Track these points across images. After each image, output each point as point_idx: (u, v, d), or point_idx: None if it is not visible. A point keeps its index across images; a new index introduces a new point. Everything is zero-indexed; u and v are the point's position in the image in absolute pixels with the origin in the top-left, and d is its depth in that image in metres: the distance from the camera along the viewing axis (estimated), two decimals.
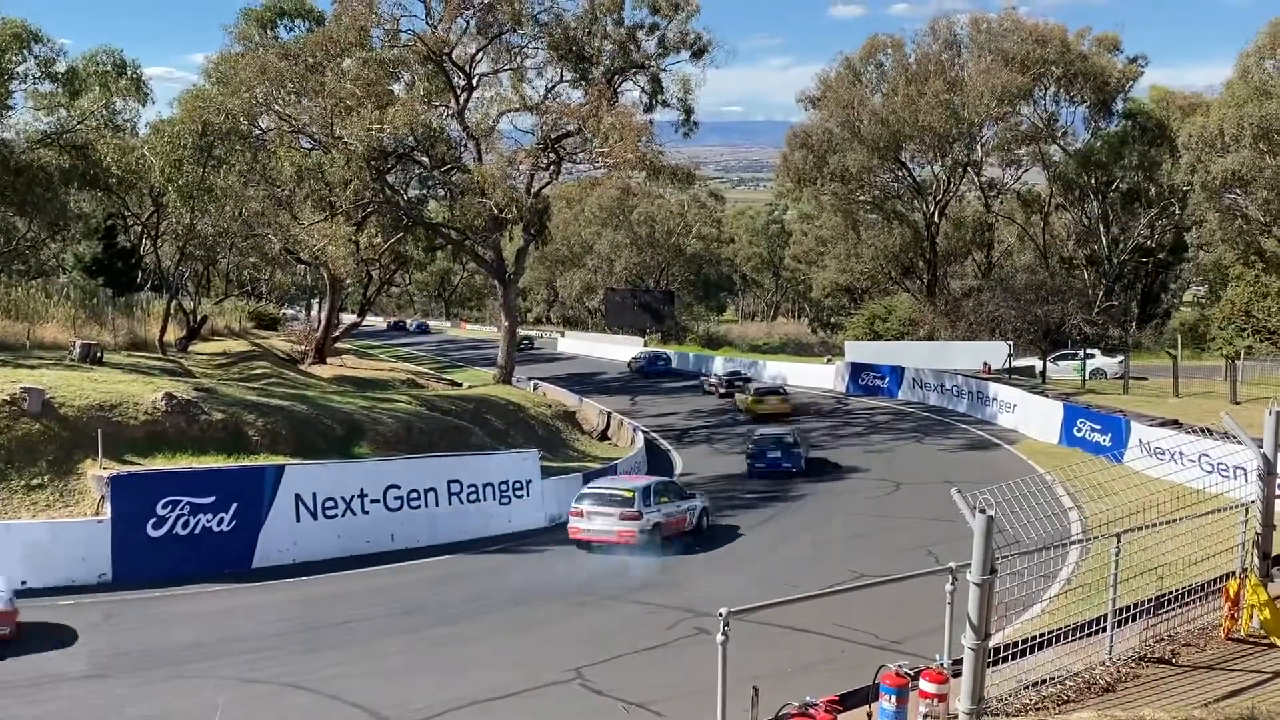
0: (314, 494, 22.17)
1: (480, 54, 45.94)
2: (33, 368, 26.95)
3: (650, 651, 15.29)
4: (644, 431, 39.14)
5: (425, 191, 53.92)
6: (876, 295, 74.39)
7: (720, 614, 7.46)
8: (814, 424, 41.61)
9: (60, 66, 39.17)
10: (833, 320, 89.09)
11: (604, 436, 40.84)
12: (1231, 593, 10.22)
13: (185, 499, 20.40)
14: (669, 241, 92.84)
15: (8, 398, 21.91)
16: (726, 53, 47.48)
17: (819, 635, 14.76)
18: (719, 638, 7.46)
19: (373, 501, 23.04)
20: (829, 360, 58.24)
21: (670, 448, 38.28)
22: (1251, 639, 10.16)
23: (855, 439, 38.65)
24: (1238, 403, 33.41)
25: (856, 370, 51.90)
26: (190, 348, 45.19)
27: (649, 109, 47.19)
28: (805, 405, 45.64)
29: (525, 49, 46.41)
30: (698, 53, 46.65)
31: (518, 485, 25.86)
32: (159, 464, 22.22)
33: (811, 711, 8.05)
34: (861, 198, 68.39)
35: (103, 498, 20.38)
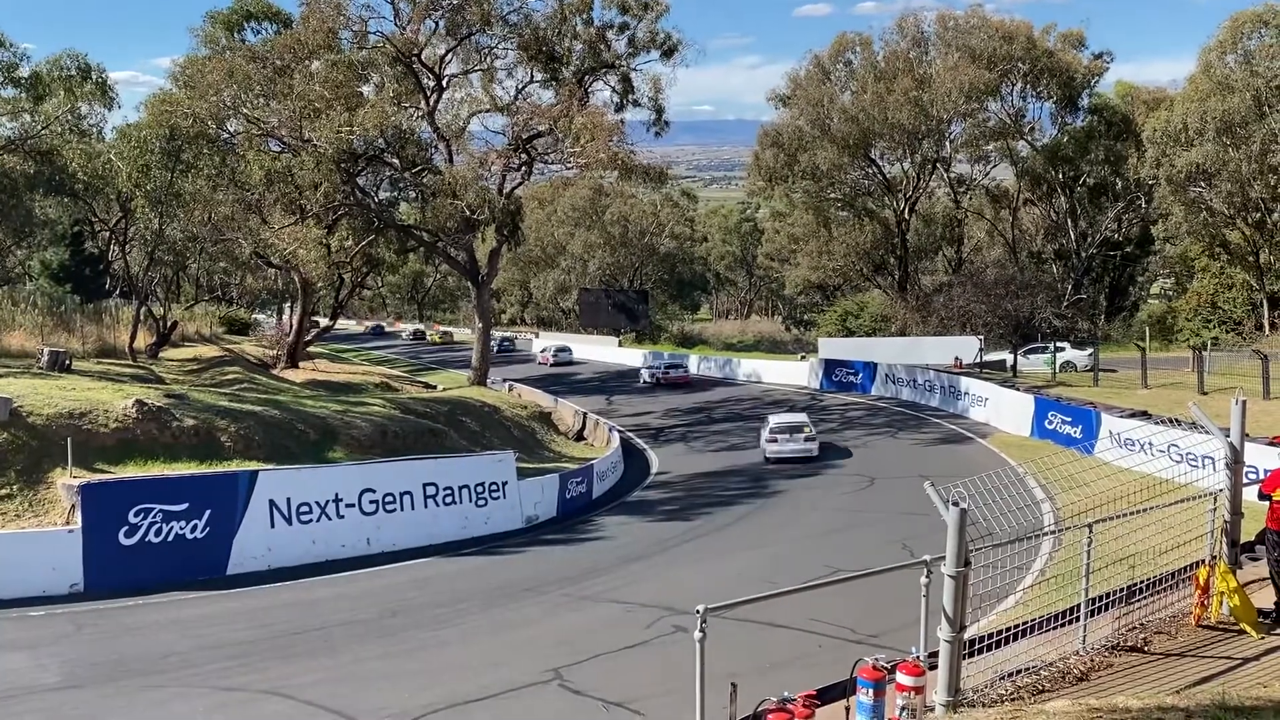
0: (288, 499, 22.03)
1: (450, 55, 45.76)
2: None
3: (629, 650, 15.29)
4: (620, 431, 39.14)
5: (396, 193, 53.73)
6: (848, 292, 74.80)
7: (698, 611, 7.47)
8: None
9: (24, 71, 38.78)
10: (806, 317, 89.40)
11: (580, 437, 40.82)
12: (1202, 580, 10.34)
13: (157, 506, 20.20)
14: (642, 241, 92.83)
15: None
16: (696, 52, 47.56)
17: (796, 631, 14.83)
18: (696, 635, 7.48)
19: (348, 506, 22.91)
20: (803, 357, 58.44)
21: (646, 447, 38.30)
22: (1221, 625, 10.28)
23: (830, 435, 38.79)
24: (1205, 393, 33.83)
25: (830, 366, 52.13)
26: (161, 354, 44.85)
27: (620, 109, 47.16)
28: None
29: (495, 49, 46.26)
30: (667, 52, 46.66)
31: (494, 487, 25.79)
32: (130, 472, 22.01)
33: (790, 707, 8.07)
34: (832, 195, 68.68)
35: (73, 506, 20.16)
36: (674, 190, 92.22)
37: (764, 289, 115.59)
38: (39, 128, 39.31)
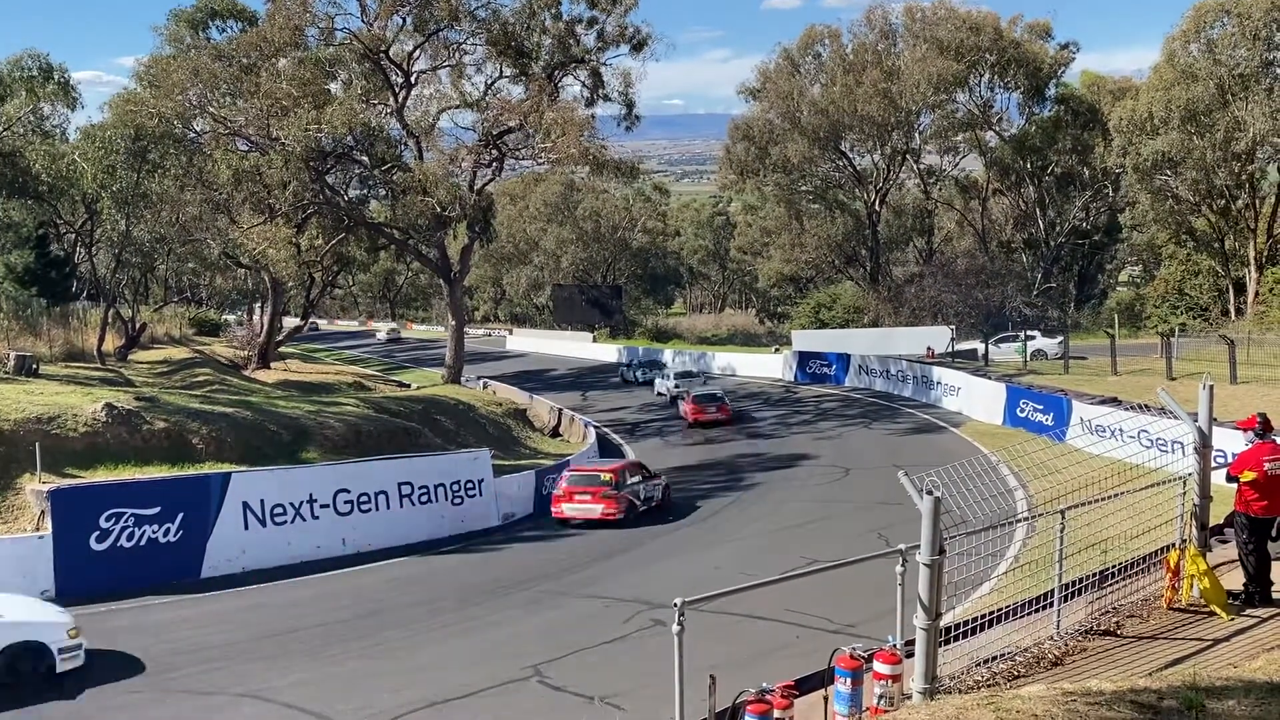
0: (262, 501, 21.84)
1: (418, 51, 45.50)
2: None
3: (607, 645, 15.28)
4: (595, 427, 39.12)
5: (366, 191, 53.39)
6: (821, 284, 75.13)
7: (675, 604, 7.47)
8: (764, 412, 41.95)
9: None
10: (779, 310, 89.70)
11: (555, 433, 40.77)
12: (1172, 564, 10.47)
13: (129, 511, 19.97)
14: (615, 236, 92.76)
15: None
16: (666, 46, 47.62)
17: (774, 622, 14.85)
18: (675, 628, 7.47)
19: (322, 506, 22.74)
20: (777, 350, 58.63)
21: (622, 442, 38.30)
22: (1192, 608, 10.42)
23: (805, 426, 38.99)
24: (1173, 379, 34.22)
25: (804, 359, 52.32)
26: (130, 356, 44.36)
27: (590, 103, 47.13)
28: None
29: (463, 45, 46.06)
30: (637, 46, 46.62)
31: (470, 485, 25.70)
32: (101, 476, 21.76)
33: (768, 698, 8.09)
34: (804, 188, 69.01)
35: (43, 512, 19.90)
36: (646, 185, 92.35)
37: (737, 282, 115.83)
38: (0, 129, 38.76)
